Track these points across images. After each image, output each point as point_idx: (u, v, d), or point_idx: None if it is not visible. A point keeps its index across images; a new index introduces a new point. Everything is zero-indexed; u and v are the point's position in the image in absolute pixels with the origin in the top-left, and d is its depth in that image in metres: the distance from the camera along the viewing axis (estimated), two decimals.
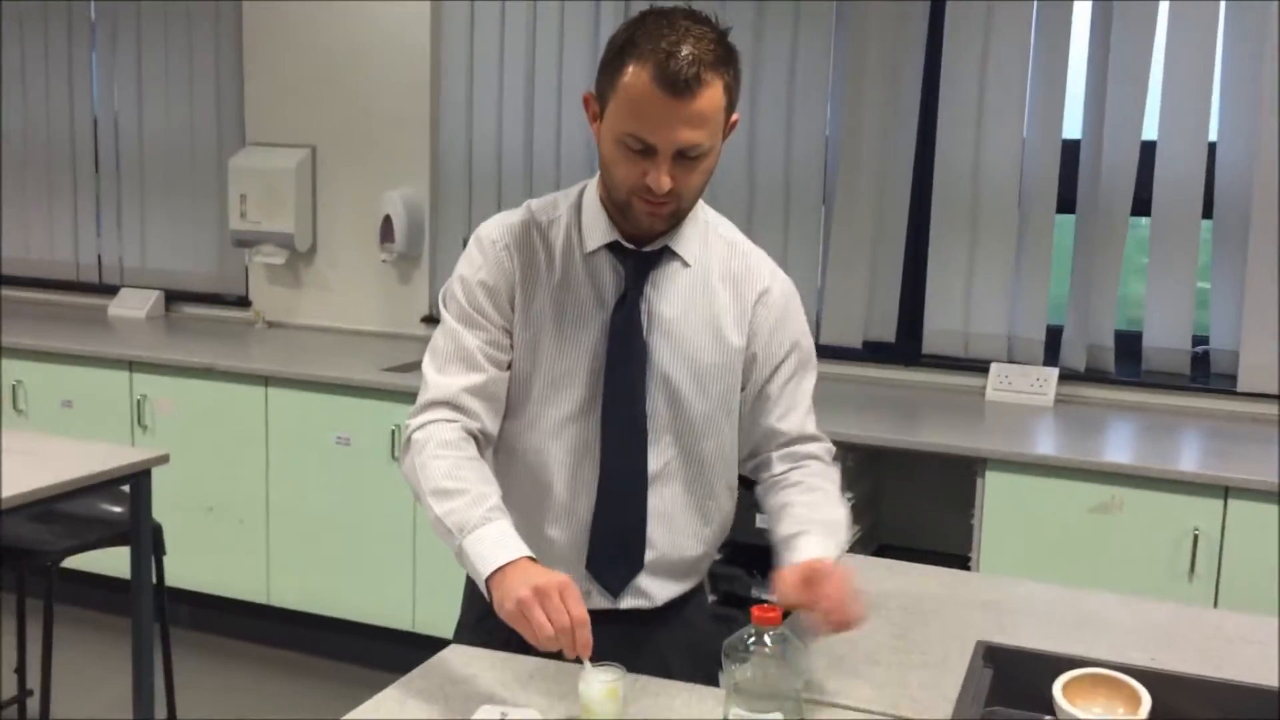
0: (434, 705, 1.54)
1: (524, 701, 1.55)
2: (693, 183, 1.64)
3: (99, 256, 4.98)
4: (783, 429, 1.81)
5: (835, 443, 3.19)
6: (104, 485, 2.72)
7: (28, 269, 5.09)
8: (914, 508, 3.67)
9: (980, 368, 3.72)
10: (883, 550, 3.56)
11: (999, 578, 2.17)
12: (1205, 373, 3.58)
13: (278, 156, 4.43)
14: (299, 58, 4.43)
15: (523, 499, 1.75)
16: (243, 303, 4.69)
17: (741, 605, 3.41)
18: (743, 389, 1.80)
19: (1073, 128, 3.63)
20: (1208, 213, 3.51)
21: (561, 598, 1.46)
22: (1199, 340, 3.59)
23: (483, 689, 1.59)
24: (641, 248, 1.72)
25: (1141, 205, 3.57)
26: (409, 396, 1.79)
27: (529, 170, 4.19)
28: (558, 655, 1.51)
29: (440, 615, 1.91)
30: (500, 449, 1.79)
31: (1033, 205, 3.66)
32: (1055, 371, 3.63)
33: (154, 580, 2.91)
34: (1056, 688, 1.46)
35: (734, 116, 1.66)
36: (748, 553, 3.48)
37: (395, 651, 3.75)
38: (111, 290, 4.88)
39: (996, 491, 3.08)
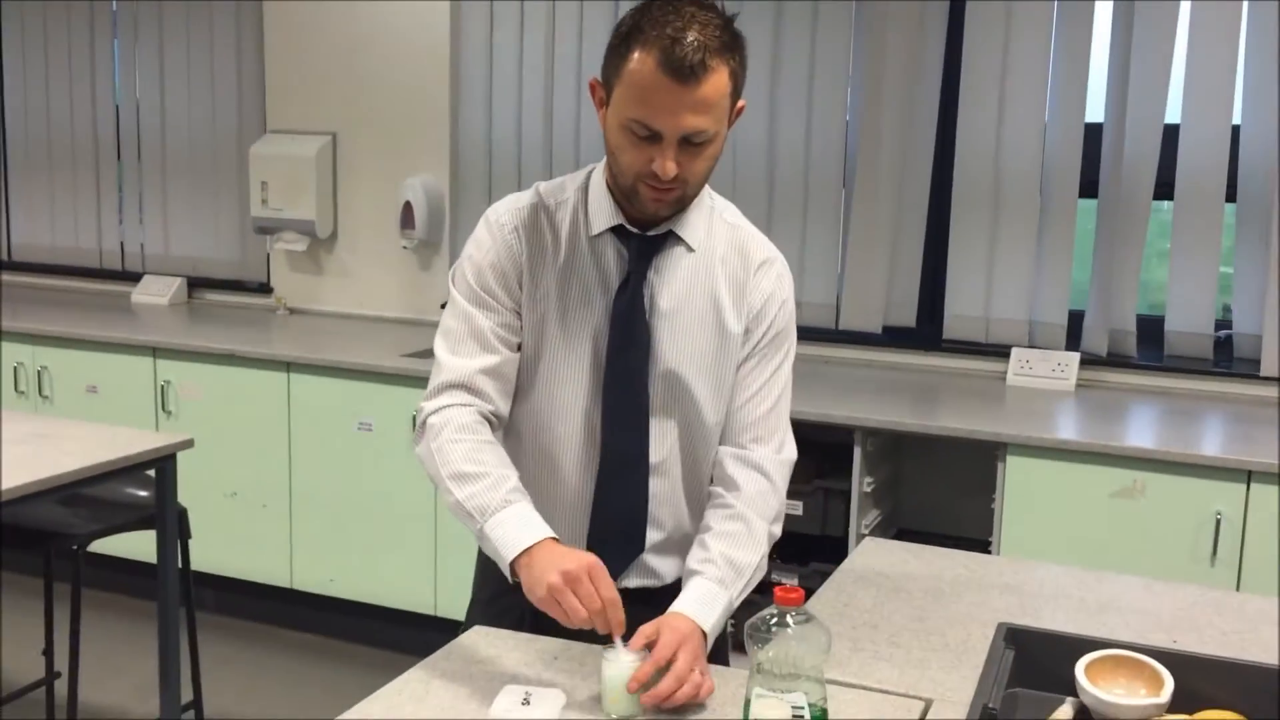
0: (458, 686, 1.55)
1: (547, 681, 1.56)
2: (698, 169, 1.64)
3: (122, 244, 5.01)
4: (744, 415, 1.77)
5: (855, 428, 3.23)
6: (130, 470, 2.74)
7: (52, 256, 5.13)
8: (934, 493, 3.67)
9: (1001, 353, 3.72)
10: (902, 535, 3.57)
11: (1020, 561, 2.17)
12: (1228, 357, 3.56)
13: (298, 144, 4.45)
14: (319, 45, 4.44)
15: (526, 481, 1.75)
16: (264, 289, 4.71)
17: (760, 590, 3.42)
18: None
19: (1095, 111, 3.61)
20: (1231, 196, 3.49)
21: (591, 580, 1.48)
22: (1222, 324, 3.57)
23: (506, 669, 1.60)
24: (646, 231, 1.73)
25: (1164, 189, 3.55)
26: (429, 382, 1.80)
27: (548, 156, 4.19)
28: (584, 634, 1.52)
29: (461, 599, 1.92)
30: (506, 431, 1.80)
31: (1054, 189, 3.65)
32: (1077, 356, 3.62)
33: (179, 564, 2.94)
34: (1079, 669, 1.46)
35: (740, 103, 1.66)
36: None
37: (417, 635, 3.78)
38: (134, 277, 4.91)
39: (1017, 476, 3.07)
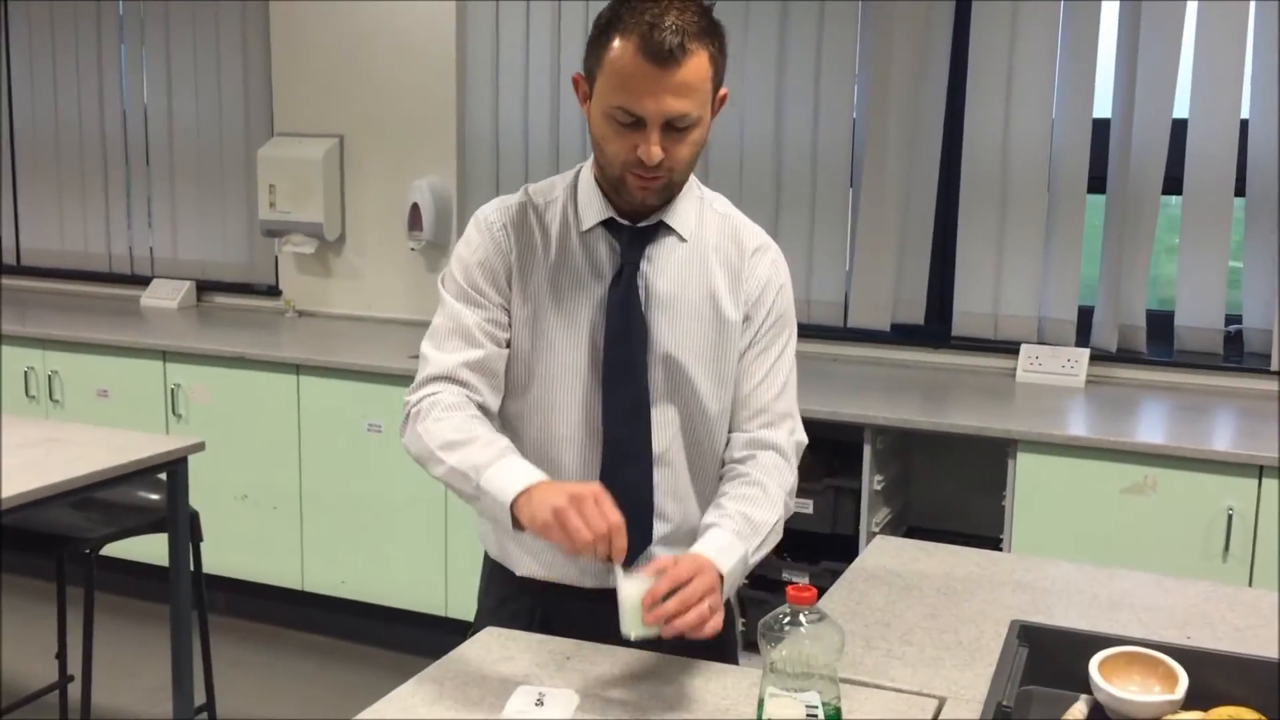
0: (470, 687, 1.56)
1: (560, 682, 1.56)
2: (683, 154, 1.65)
3: (130, 248, 5.02)
4: (752, 401, 1.77)
5: (865, 426, 3.22)
6: (141, 473, 2.75)
7: (62, 261, 5.15)
8: (944, 490, 3.66)
9: (1010, 349, 3.71)
10: (913, 532, 3.57)
11: (1032, 558, 2.17)
12: (1238, 352, 3.55)
13: (306, 146, 4.45)
14: (326, 48, 4.45)
15: None
16: (273, 292, 4.72)
17: (772, 589, 3.43)
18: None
19: (1103, 107, 3.60)
20: (1240, 190, 3.48)
21: (596, 503, 1.47)
22: (1232, 319, 3.56)
23: (519, 670, 1.60)
24: (637, 223, 1.74)
25: (1173, 184, 3.54)
26: None
27: (555, 156, 4.19)
28: (597, 633, 1.51)
29: (472, 600, 1.92)
30: (504, 430, 1.79)
31: (1063, 185, 3.64)
32: (1086, 352, 3.61)
33: (191, 567, 2.94)
34: (1093, 666, 1.46)
35: (722, 91, 1.68)
36: None
37: (428, 636, 3.79)
38: (143, 281, 4.92)
39: (1028, 473, 3.07)
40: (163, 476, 2.85)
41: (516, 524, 1.55)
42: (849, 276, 3.90)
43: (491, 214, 1.77)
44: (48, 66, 5.05)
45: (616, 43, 1.59)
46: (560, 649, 1.66)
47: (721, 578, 1.54)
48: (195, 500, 2.92)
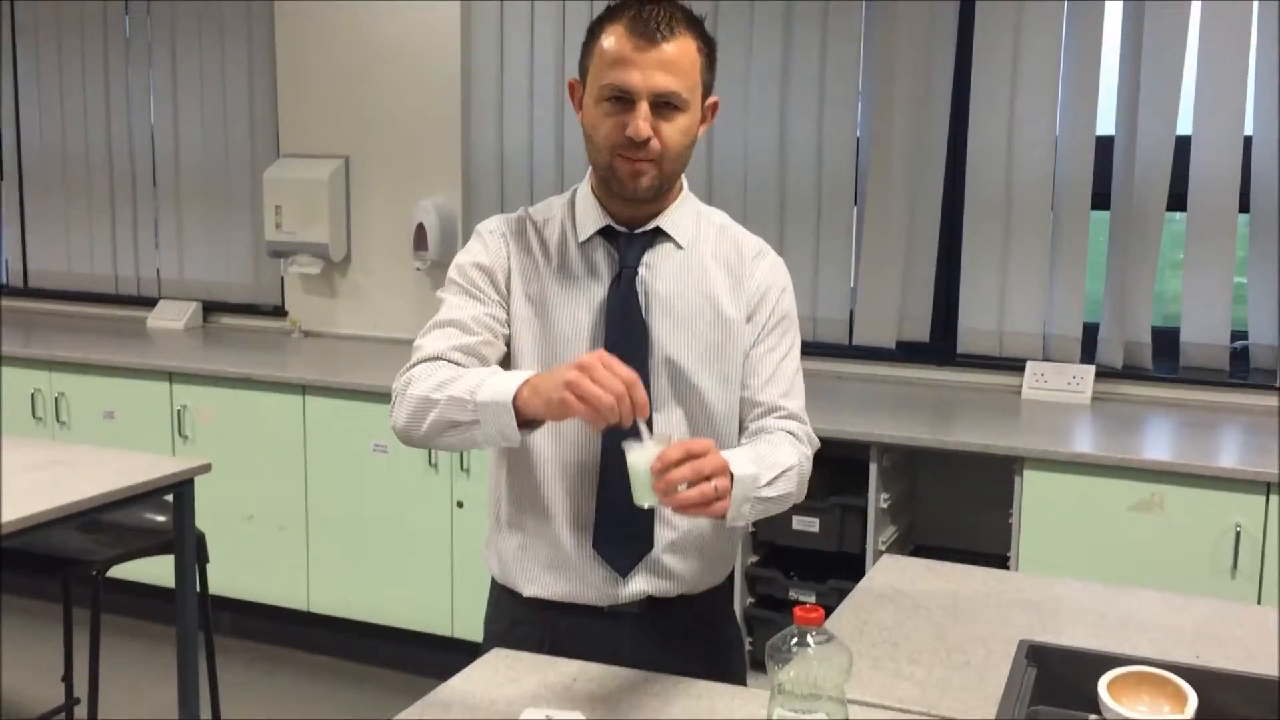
0: (478, 709, 1.55)
1: (567, 705, 1.56)
2: (672, 139, 1.66)
3: (137, 269, 5.04)
4: (760, 399, 1.78)
5: (871, 444, 3.22)
6: (148, 495, 2.75)
7: (69, 282, 5.16)
8: (951, 508, 3.65)
9: (1016, 366, 3.71)
10: (919, 550, 3.56)
11: (1040, 577, 2.16)
12: (1244, 368, 3.54)
13: (311, 167, 4.47)
14: (331, 70, 4.47)
15: (528, 484, 1.76)
16: (279, 312, 4.73)
17: (779, 608, 3.42)
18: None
19: (1106, 124, 3.61)
20: (1244, 207, 3.48)
21: (605, 366, 1.45)
22: (1237, 335, 3.56)
23: (525, 692, 1.60)
24: (634, 230, 1.75)
25: (1177, 200, 3.54)
26: None
27: (559, 177, 4.20)
28: (603, 655, 1.51)
29: (479, 620, 1.92)
30: None
31: (1067, 202, 3.65)
32: (1092, 369, 3.61)
33: (197, 589, 2.94)
34: (1101, 686, 1.45)
35: (713, 99, 1.73)
36: (785, 555, 3.48)
37: (435, 656, 3.78)
38: (150, 302, 4.94)
39: (1035, 491, 3.06)
40: (169, 498, 2.85)
41: (523, 425, 1.52)
42: (854, 294, 3.91)
43: (491, 224, 1.81)
44: (55, 88, 5.07)
45: (605, 30, 1.66)
46: (567, 671, 1.66)
47: (732, 476, 1.53)
48: (201, 521, 2.92)
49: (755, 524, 3.39)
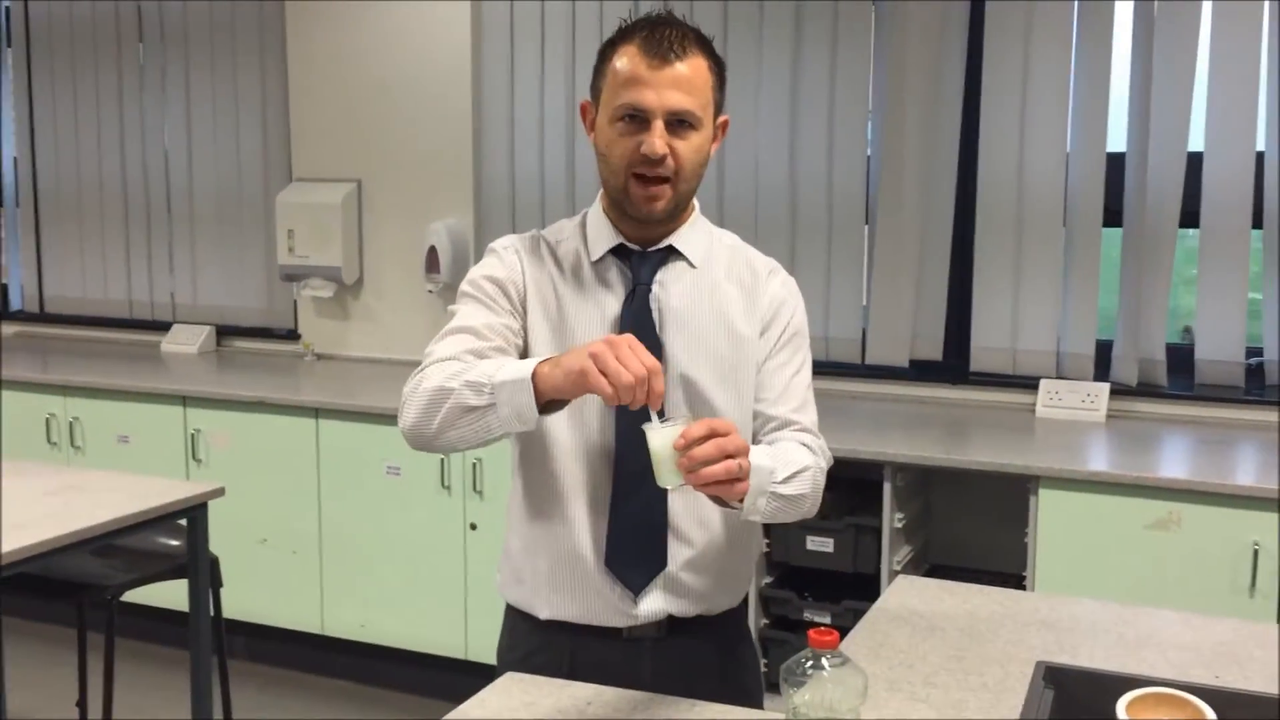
0: None
1: None
2: (686, 158, 1.67)
3: (151, 294, 5.06)
4: (774, 414, 1.78)
5: (885, 464, 3.21)
6: (162, 519, 2.75)
7: (83, 308, 5.19)
8: (966, 527, 3.64)
9: (1030, 384, 3.69)
10: (934, 570, 3.54)
11: (1056, 597, 2.15)
12: (1260, 384, 3.52)
13: (324, 191, 4.49)
14: (342, 95, 4.49)
15: (542, 503, 1.76)
16: (292, 336, 4.75)
17: (793, 628, 3.41)
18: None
19: (1117, 140, 3.60)
20: (1257, 222, 3.47)
21: (631, 349, 1.46)
22: (1253, 352, 3.54)
23: (539, 716, 1.59)
24: (646, 249, 1.76)
25: (1189, 217, 3.53)
26: None
27: (571, 199, 4.21)
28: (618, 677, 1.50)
29: (493, 643, 1.91)
30: (514, 446, 1.80)
31: (1078, 219, 3.64)
32: (1106, 387, 3.59)
33: (211, 612, 2.94)
34: (1120, 708, 1.44)
35: (724, 117, 1.75)
36: (799, 576, 3.47)
37: (449, 679, 3.77)
38: (164, 326, 4.96)
39: (1050, 509, 3.04)
40: (183, 522, 2.85)
41: (542, 407, 1.52)
42: (866, 313, 3.90)
43: (505, 241, 1.82)
44: (70, 115, 5.11)
45: (619, 52, 1.68)
46: (582, 695, 1.65)
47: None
48: (215, 545, 2.93)
49: (769, 544, 3.39)
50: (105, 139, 5.05)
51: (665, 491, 1.71)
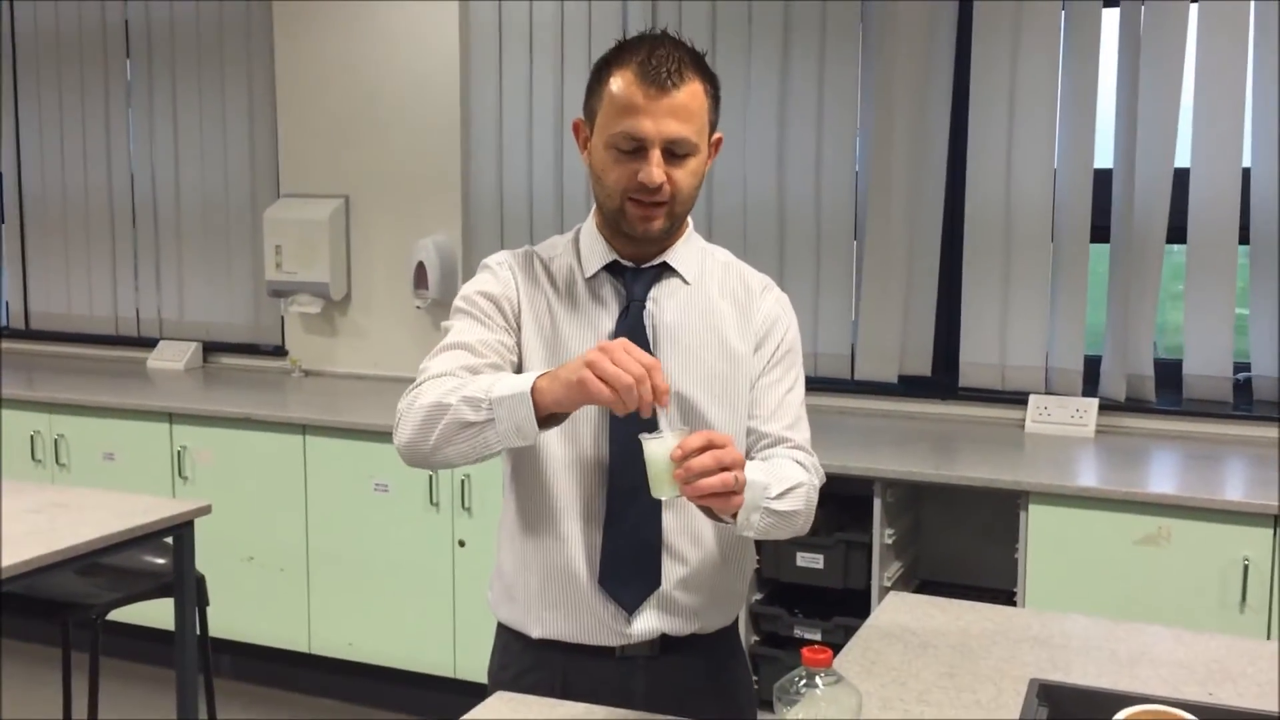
0: None
1: None
2: (682, 182, 1.67)
3: (137, 310, 5.04)
4: (767, 431, 1.78)
5: (875, 479, 3.20)
6: (147, 537, 2.73)
7: (68, 324, 5.16)
8: (955, 543, 3.63)
9: (1018, 400, 3.70)
10: (925, 586, 3.53)
11: (1048, 613, 2.14)
12: (1248, 400, 3.53)
13: (311, 207, 4.48)
14: (330, 110, 4.49)
15: (534, 519, 1.75)
16: (279, 352, 4.73)
17: (783, 645, 3.39)
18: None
19: (1104, 156, 3.62)
20: (1244, 238, 3.49)
21: (625, 350, 1.46)
22: (1240, 367, 3.55)
23: None
24: (640, 265, 1.76)
25: (1176, 233, 3.55)
26: None
27: (559, 215, 4.21)
28: (607, 696, 1.49)
29: (482, 661, 1.90)
30: (506, 463, 1.79)
31: (1066, 235, 3.65)
32: (1095, 402, 3.60)
33: (197, 631, 2.92)
34: None
35: (717, 135, 1.74)
36: (790, 592, 3.46)
37: (437, 698, 3.75)
38: (150, 343, 4.94)
39: (1040, 525, 3.04)
40: (169, 540, 2.83)
41: (542, 421, 1.51)
42: (855, 329, 3.90)
43: (498, 257, 1.81)
44: (56, 130, 5.09)
45: (614, 76, 1.66)
46: (572, 714, 1.64)
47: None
48: (201, 562, 2.90)
49: (760, 561, 3.38)
50: (92, 154, 5.03)
51: (659, 508, 1.71)
